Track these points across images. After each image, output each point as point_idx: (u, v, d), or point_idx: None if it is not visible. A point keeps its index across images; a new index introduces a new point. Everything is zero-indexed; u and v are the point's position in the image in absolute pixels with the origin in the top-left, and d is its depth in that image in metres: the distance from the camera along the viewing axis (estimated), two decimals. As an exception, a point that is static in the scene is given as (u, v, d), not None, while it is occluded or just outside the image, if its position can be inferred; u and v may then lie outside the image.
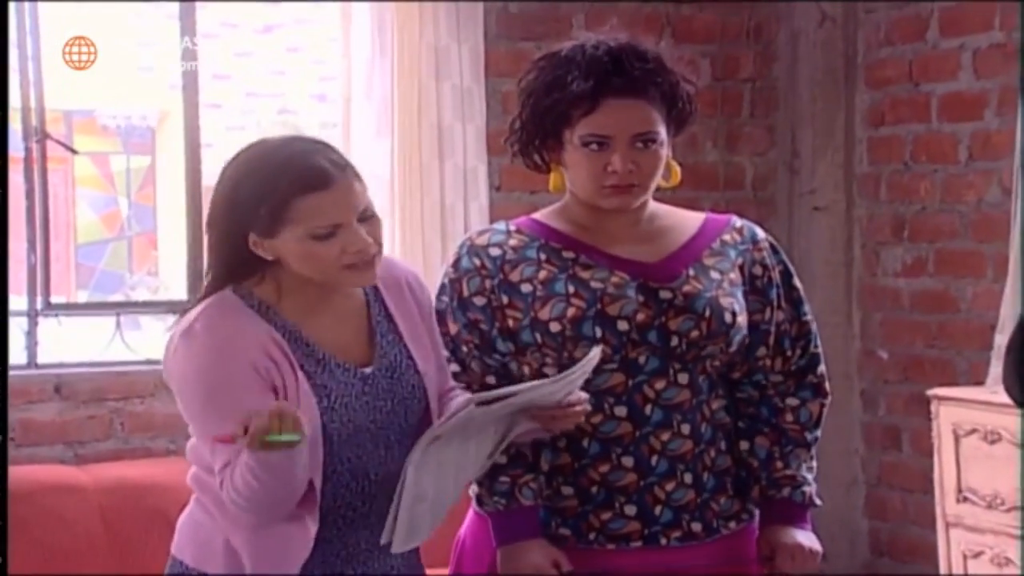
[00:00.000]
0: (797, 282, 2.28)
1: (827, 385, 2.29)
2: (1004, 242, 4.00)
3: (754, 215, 2.34)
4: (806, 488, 2.23)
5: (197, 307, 1.98)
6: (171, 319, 2.04)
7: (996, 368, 3.92)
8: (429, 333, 2.11)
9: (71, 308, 5.11)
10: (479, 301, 2.17)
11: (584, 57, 2.14)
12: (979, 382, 4.01)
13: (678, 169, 2.22)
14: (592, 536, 2.16)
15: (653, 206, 2.24)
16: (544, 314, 2.13)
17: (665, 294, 2.15)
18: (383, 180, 4.18)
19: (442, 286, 2.21)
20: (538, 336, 2.14)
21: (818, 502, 2.26)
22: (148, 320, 6.55)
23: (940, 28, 4.32)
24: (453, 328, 2.18)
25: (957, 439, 3.71)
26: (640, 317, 2.12)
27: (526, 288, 2.15)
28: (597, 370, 2.11)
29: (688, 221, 2.26)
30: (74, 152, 5.82)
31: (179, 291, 4.49)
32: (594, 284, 2.14)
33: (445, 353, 2.18)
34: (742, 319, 2.18)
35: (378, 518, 2.00)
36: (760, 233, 2.28)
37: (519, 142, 2.21)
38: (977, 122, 4.22)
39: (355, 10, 4.20)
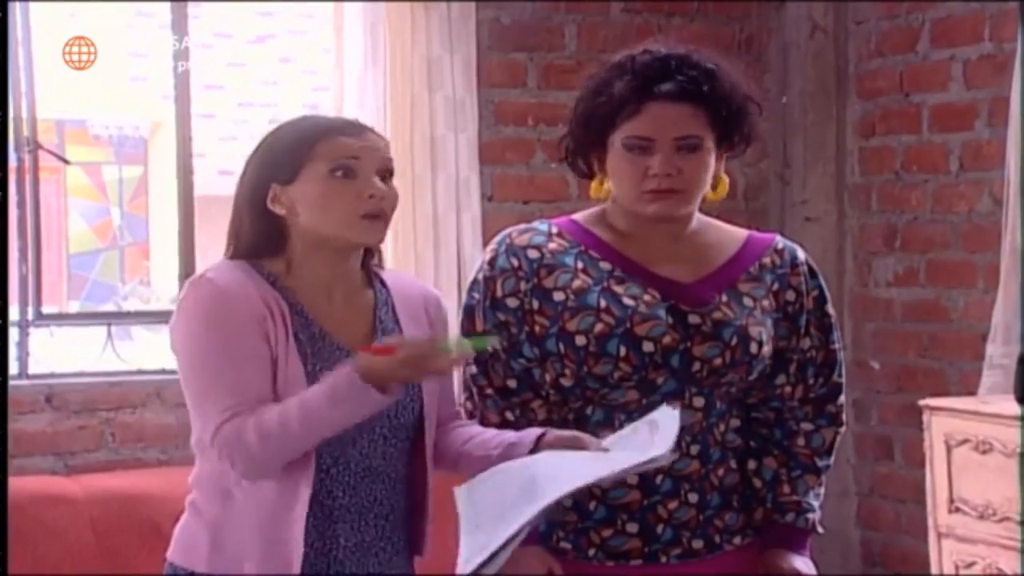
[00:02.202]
0: (830, 308, 2.25)
1: (844, 415, 2.27)
2: (995, 252, 4.01)
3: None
4: (810, 515, 2.22)
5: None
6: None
7: (988, 378, 3.93)
8: None
9: (63, 318, 5.10)
10: (512, 303, 2.14)
11: (633, 63, 2.15)
12: (971, 392, 4.01)
13: (726, 181, 2.18)
14: (592, 552, 2.15)
15: (697, 220, 2.21)
16: (572, 326, 2.11)
17: (694, 319, 2.13)
18: (375, 190, 4.18)
19: (475, 282, 2.19)
20: (562, 346, 2.12)
21: (820, 530, 2.24)
22: (140, 330, 6.55)
23: (931, 39, 4.33)
24: (480, 327, 2.16)
25: (949, 449, 3.71)
26: (666, 340, 2.10)
27: (558, 296, 2.13)
28: (614, 386, 2.10)
29: (730, 239, 2.22)
30: (66, 162, 5.82)
31: (171, 301, 4.49)
32: (627, 301, 2.11)
33: None
34: (767, 349, 2.16)
35: (358, 515, 1.99)
36: (800, 256, 2.24)
37: (567, 147, 2.21)
38: (968, 132, 4.23)
39: (348, 21, 4.20)
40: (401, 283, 2.13)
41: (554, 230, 2.19)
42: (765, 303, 2.17)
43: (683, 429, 2.10)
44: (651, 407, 2.11)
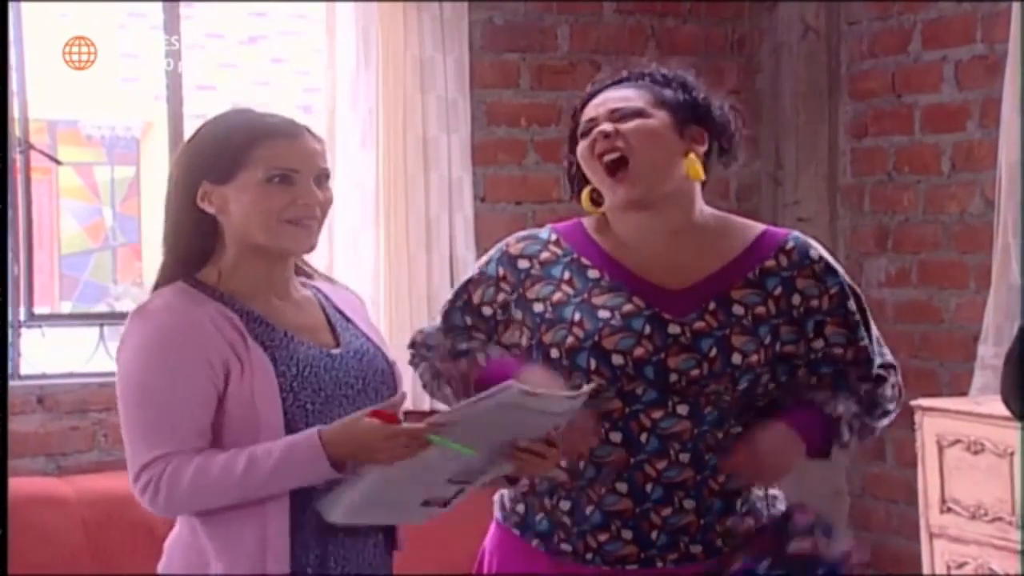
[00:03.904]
0: (852, 304, 2.15)
1: (900, 394, 2.19)
2: (986, 253, 4.02)
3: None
4: (839, 407, 2.11)
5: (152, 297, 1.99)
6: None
7: (979, 379, 3.94)
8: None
9: (54, 319, 5.09)
10: (486, 311, 2.18)
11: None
12: (962, 393, 4.02)
13: (694, 162, 2.13)
14: (590, 556, 2.14)
15: (704, 217, 2.19)
16: (547, 338, 2.12)
17: (674, 329, 2.10)
18: (368, 191, 4.18)
19: (463, 280, 2.25)
20: (540, 359, 2.13)
21: (846, 436, 2.14)
22: (132, 331, 6.51)
23: (923, 40, 4.34)
24: (441, 322, 2.24)
25: (941, 450, 3.71)
26: (637, 352, 2.08)
27: (538, 308, 2.14)
28: (595, 394, 2.09)
29: (738, 239, 2.18)
30: (58, 163, 5.82)
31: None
32: (601, 313, 2.10)
33: None
34: (755, 358, 2.10)
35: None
36: (812, 255, 2.16)
37: (566, 172, 2.25)
38: (959, 133, 4.24)
39: (340, 22, 4.20)
40: (329, 286, 2.14)
41: (553, 238, 2.20)
42: (760, 310, 2.12)
43: (671, 437, 2.11)
44: (634, 415, 2.10)
